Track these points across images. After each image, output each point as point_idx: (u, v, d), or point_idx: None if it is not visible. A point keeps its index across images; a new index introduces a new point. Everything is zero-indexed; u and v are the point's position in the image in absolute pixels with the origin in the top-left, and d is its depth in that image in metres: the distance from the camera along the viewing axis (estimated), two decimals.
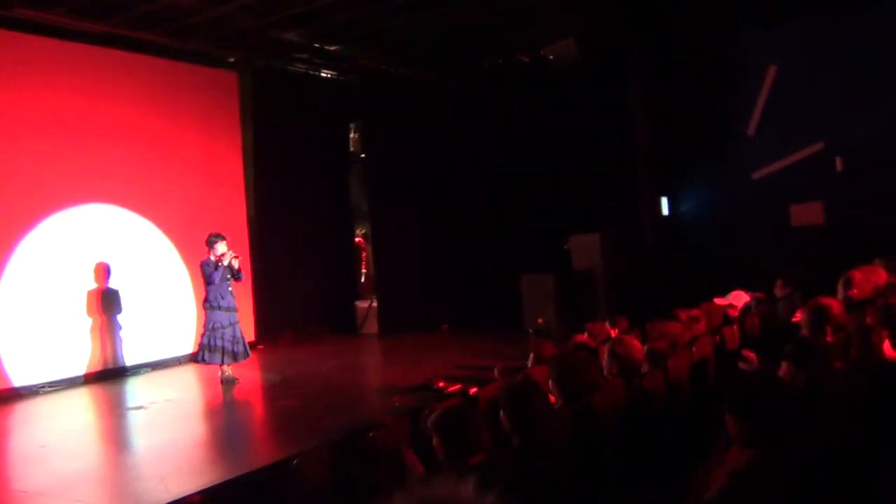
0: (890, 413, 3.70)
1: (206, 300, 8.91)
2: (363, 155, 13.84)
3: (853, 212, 10.61)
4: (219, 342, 8.81)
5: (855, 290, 5.41)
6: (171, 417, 7.94)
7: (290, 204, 12.60)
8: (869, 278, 5.66)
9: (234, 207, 11.96)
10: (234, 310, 9.02)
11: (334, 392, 8.56)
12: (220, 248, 8.95)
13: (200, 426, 7.82)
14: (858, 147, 10.67)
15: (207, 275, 8.84)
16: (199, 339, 9.03)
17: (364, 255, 14.35)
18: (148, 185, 10.82)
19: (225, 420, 7.98)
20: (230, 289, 9.00)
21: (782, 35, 11.22)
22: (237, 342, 8.93)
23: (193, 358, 9.60)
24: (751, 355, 4.86)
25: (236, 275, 9.05)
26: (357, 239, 14.37)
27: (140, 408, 8.45)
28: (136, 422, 8.01)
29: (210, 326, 8.83)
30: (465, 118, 13.41)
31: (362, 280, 14.32)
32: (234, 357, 8.93)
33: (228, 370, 8.99)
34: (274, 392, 8.80)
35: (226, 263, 8.85)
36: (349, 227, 14.14)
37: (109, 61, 10.43)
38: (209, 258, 8.90)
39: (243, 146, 12.26)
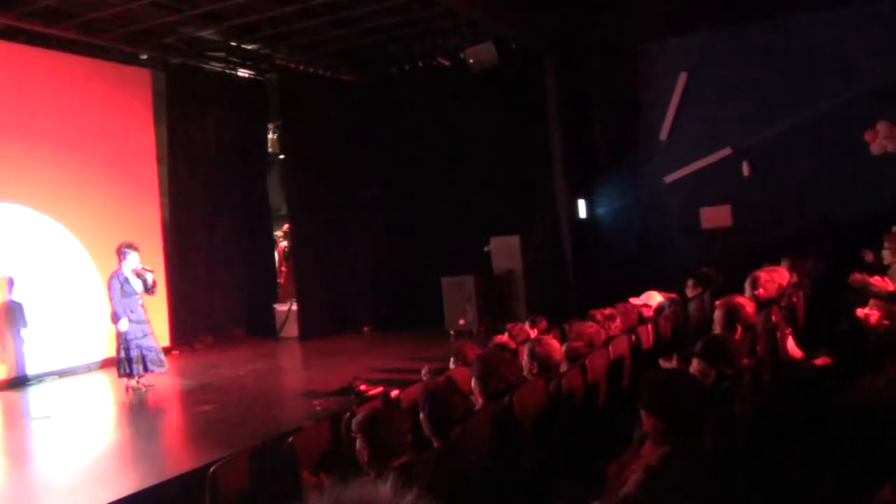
0: (791, 406, 3.87)
1: (114, 314, 8.61)
2: (281, 156, 13.65)
3: (759, 214, 11.06)
4: (134, 352, 8.58)
5: (761, 290, 5.62)
6: (79, 427, 7.64)
7: (207, 205, 12.32)
8: (773, 278, 5.89)
9: (147, 208, 11.63)
10: (146, 322, 8.81)
11: (253, 397, 8.41)
12: (132, 259, 8.68)
13: (112, 435, 7.55)
14: (764, 152, 11.12)
15: (113, 292, 8.57)
16: (116, 353, 8.71)
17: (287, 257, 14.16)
18: (56, 184, 10.41)
19: (138, 428, 7.72)
20: (140, 301, 8.76)
21: (693, 42, 11.59)
22: (153, 350, 8.73)
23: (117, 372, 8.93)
24: None
25: (149, 288, 8.82)
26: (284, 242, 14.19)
27: (46, 417, 8.10)
28: (42, 432, 7.67)
29: (123, 338, 8.58)
30: (383, 120, 13.39)
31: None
32: (157, 364, 8.74)
33: (143, 379, 8.74)
34: (190, 398, 8.58)
35: (127, 276, 8.62)
36: (268, 229, 13.92)
37: (14, 56, 9.99)
38: (119, 271, 8.63)
39: (157, 146, 11.93)
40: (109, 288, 8.63)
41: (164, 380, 9.17)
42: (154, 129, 11.90)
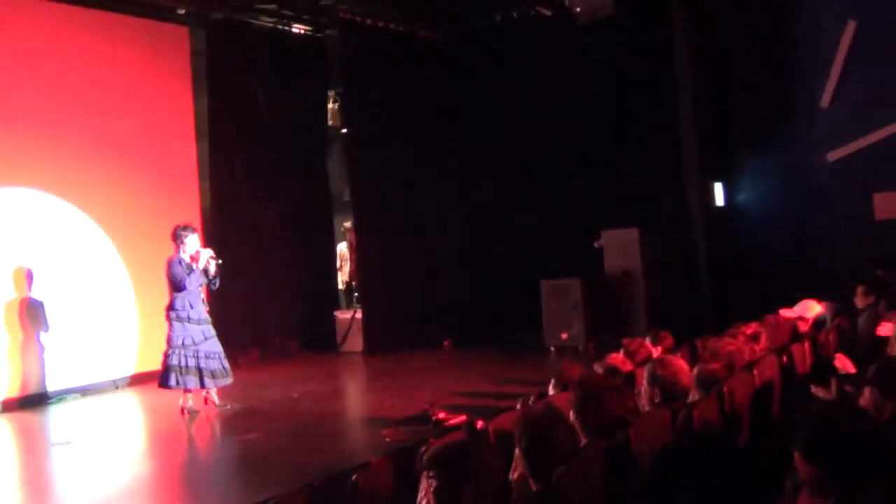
0: None
1: (171, 308, 8.73)
2: (344, 130, 13.83)
3: None
4: (192, 362, 8.65)
5: None
6: (104, 455, 7.93)
7: (254, 190, 12.59)
8: None
9: (185, 194, 11.94)
10: (208, 321, 8.92)
11: (309, 424, 8.56)
12: (192, 243, 8.80)
13: (141, 466, 7.80)
14: None
15: (178, 278, 8.64)
16: (164, 357, 8.76)
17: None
18: (80, 165, 10.79)
19: (173, 459, 7.96)
20: (202, 296, 8.95)
21: None
22: (216, 359, 8.81)
23: (158, 382, 8.94)
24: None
25: (212, 281, 8.94)
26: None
27: (67, 443, 8.43)
28: (62, 461, 8.00)
29: (179, 343, 8.66)
30: (468, 85, 13.41)
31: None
32: (214, 377, 8.81)
33: (212, 394, 8.94)
34: (234, 425, 8.79)
35: (201, 266, 8.75)
36: (327, 219, 14.13)
37: (32, 13, 10.38)
38: (179, 256, 8.73)
39: (196, 119, 12.24)
40: (170, 274, 8.69)
41: (201, 403, 9.37)
42: (193, 99, 12.21)
